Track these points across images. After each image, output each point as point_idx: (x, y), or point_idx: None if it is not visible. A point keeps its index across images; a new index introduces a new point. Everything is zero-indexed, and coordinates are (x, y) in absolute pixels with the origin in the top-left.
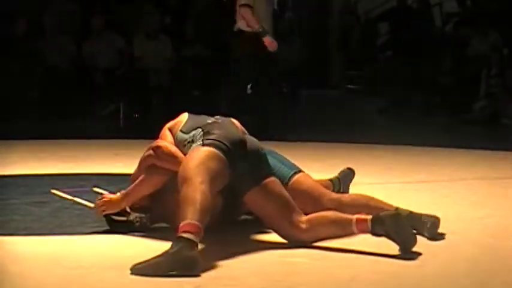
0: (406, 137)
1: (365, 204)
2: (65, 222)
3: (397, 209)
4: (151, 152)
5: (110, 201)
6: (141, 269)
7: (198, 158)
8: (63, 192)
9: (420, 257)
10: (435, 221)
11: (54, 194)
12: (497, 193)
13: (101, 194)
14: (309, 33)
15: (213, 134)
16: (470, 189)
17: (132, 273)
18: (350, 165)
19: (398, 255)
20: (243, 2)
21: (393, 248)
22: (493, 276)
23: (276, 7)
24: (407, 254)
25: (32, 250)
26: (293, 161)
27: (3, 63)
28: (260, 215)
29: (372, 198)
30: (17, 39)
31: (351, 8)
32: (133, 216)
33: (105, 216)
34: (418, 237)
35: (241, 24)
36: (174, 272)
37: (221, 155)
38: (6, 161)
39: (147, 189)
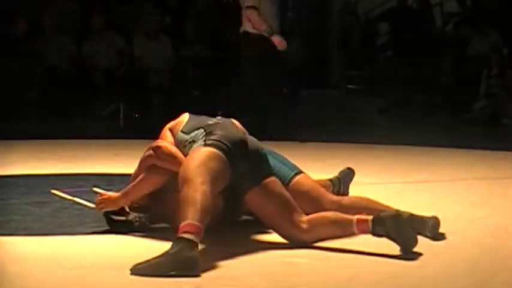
0: (406, 137)
1: (365, 207)
2: (64, 223)
3: (397, 211)
4: (151, 152)
5: (109, 198)
6: (141, 269)
7: (199, 159)
8: (63, 192)
9: (420, 257)
10: (436, 221)
11: (54, 194)
12: (498, 193)
13: (101, 193)
14: (309, 33)
15: (215, 134)
16: (470, 189)
17: (132, 274)
18: (350, 165)
19: (399, 255)
20: (248, 4)
21: (394, 248)
22: (493, 276)
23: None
24: (408, 254)
25: (32, 250)
26: (293, 161)
27: (3, 63)
28: (261, 215)
29: (372, 201)
30: (17, 39)
31: (351, 8)
32: (132, 215)
33: (104, 216)
34: (419, 237)
35: (247, 26)
36: (174, 273)
37: (222, 155)
38: (6, 161)
39: (146, 189)
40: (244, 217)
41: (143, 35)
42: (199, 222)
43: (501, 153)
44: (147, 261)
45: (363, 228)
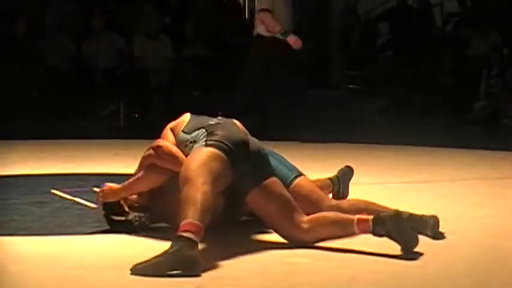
0: (406, 137)
1: (364, 209)
2: (65, 222)
3: (397, 210)
4: (151, 151)
5: (110, 189)
6: (141, 269)
7: (200, 159)
8: (63, 192)
9: (421, 257)
10: (435, 220)
11: (54, 194)
12: (498, 193)
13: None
14: (309, 33)
15: (216, 135)
16: (470, 189)
17: (132, 273)
18: (351, 167)
19: (399, 255)
20: (262, 7)
21: (394, 248)
22: (493, 276)
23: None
24: (409, 254)
25: (32, 250)
26: (293, 161)
27: (3, 63)
28: (261, 215)
29: (371, 203)
30: (17, 39)
31: (351, 8)
32: (132, 215)
33: (104, 216)
34: (419, 236)
35: (260, 29)
36: (174, 272)
37: (223, 155)
38: (6, 161)
39: (146, 186)
40: (244, 218)
41: (143, 35)
42: (199, 222)
43: (501, 153)
44: (147, 260)
45: (363, 228)
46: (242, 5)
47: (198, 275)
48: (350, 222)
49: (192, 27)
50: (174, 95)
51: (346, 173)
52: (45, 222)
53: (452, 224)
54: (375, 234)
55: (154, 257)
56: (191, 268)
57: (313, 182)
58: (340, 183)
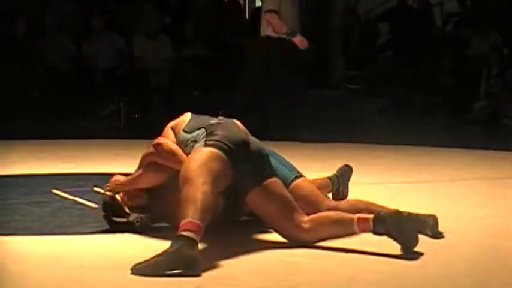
0: (406, 137)
1: (364, 209)
2: (65, 222)
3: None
4: (152, 149)
5: (118, 181)
6: (141, 269)
7: (200, 159)
8: (64, 192)
9: (421, 257)
10: (435, 219)
11: (55, 194)
12: (498, 193)
13: (102, 194)
14: (309, 33)
15: (216, 134)
16: (470, 189)
17: (132, 273)
18: (350, 165)
19: (399, 255)
20: (268, 8)
21: (394, 247)
22: (493, 276)
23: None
24: (409, 253)
25: (32, 250)
26: (293, 161)
27: (3, 63)
28: (262, 216)
29: (371, 203)
30: (17, 39)
31: (351, 8)
32: (133, 217)
33: (105, 217)
34: (420, 236)
35: (268, 31)
36: (174, 271)
37: (223, 155)
38: (7, 161)
39: (146, 183)
40: (245, 217)
41: (143, 35)
42: (199, 221)
43: (501, 153)
44: (147, 260)
45: (363, 227)
46: (242, 5)
47: (198, 275)
48: (350, 221)
49: (192, 27)
50: (174, 95)
51: (345, 172)
52: (45, 222)
53: (452, 224)
54: (375, 233)
55: (155, 257)
56: (191, 267)
57: (313, 181)
58: (339, 182)
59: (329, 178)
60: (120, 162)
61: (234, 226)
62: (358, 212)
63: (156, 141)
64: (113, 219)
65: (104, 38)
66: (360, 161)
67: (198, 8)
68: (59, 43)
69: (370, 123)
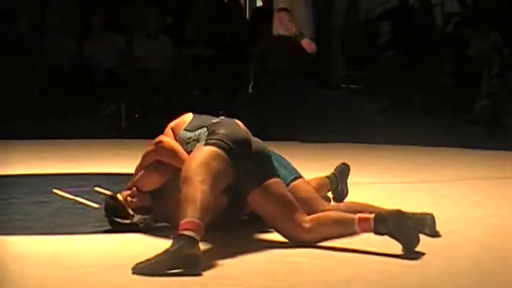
0: (407, 137)
1: (361, 211)
2: (65, 222)
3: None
4: (153, 147)
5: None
6: (142, 268)
7: (200, 158)
8: (65, 191)
9: (421, 257)
10: (432, 218)
11: (56, 193)
12: (498, 193)
13: (103, 193)
14: None
15: (217, 133)
16: (470, 189)
17: (133, 273)
18: (350, 165)
19: (400, 254)
20: (280, 6)
21: (394, 247)
22: (493, 276)
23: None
24: (410, 253)
25: (32, 250)
26: (293, 161)
27: (3, 63)
28: (263, 216)
29: (369, 205)
30: (17, 39)
31: (351, 7)
32: (137, 218)
33: (107, 218)
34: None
35: (279, 29)
36: (175, 271)
37: (224, 154)
38: (7, 161)
39: (149, 185)
40: (244, 217)
41: (144, 35)
42: (199, 220)
43: (502, 153)
44: (148, 260)
45: (364, 227)
46: (242, 5)
47: (198, 274)
48: (351, 221)
49: (192, 27)
50: (175, 95)
51: (343, 170)
52: (46, 222)
53: (453, 224)
54: (377, 232)
55: (155, 256)
56: (192, 266)
57: (311, 181)
58: (338, 181)
59: (327, 177)
60: (120, 162)
61: (234, 226)
62: (357, 213)
63: (157, 138)
64: (116, 220)
65: (105, 38)
66: (360, 161)
67: (198, 8)
68: (59, 43)
69: (371, 123)
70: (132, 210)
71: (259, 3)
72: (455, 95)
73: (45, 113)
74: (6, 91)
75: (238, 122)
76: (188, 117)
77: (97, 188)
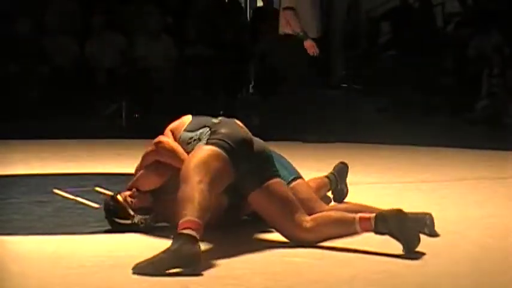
0: (407, 137)
1: (360, 211)
2: (66, 222)
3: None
4: (153, 147)
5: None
6: (143, 268)
7: (200, 158)
8: (66, 191)
9: (422, 257)
10: (431, 217)
11: (56, 193)
12: (498, 193)
13: (103, 193)
14: None
15: (218, 133)
16: (470, 189)
17: (134, 273)
18: (350, 165)
19: (400, 254)
20: (285, 5)
21: (395, 247)
22: (494, 276)
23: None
24: (411, 253)
25: (33, 249)
26: (293, 161)
27: (4, 63)
28: (264, 216)
29: (368, 207)
30: (18, 39)
31: (352, 7)
32: (137, 218)
33: (107, 218)
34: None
35: (285, 28)
36: (175, 270)
37: (224, 154)
38: (8, 160)
39: (149, 185)
40: (245, 217)
41: (145, 35)
42: (198, 219)
43: (502, 153)
44: (149, 259)
45: (365, 226)
46: (242, 5)
47: (198, 274)
48: (352, 220)
49: (193, 27)
50: (176, 95)
51: (342, 169)
52: (46, 222)
53: (453, 224)
54: (377, 232)
55: (156, 255)
56: (193, 264)
57: (311, 181)
58: (337, 180)
59: (327, 177)
60: (121, 162)
61: (234, 226)
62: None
63: (157, 139)
64: (117, 220)
65: (105, 38)
66: (360, 161)
67: (198, 8)
68: (59, 43)
69: (371, 123)
70: (133, 210)
71: (259, 3)
72: (456, 95)
73: (46, 113)
74: (7, 91)
75: (239, 122)
76: (187, 119)
77: (97, 188)
